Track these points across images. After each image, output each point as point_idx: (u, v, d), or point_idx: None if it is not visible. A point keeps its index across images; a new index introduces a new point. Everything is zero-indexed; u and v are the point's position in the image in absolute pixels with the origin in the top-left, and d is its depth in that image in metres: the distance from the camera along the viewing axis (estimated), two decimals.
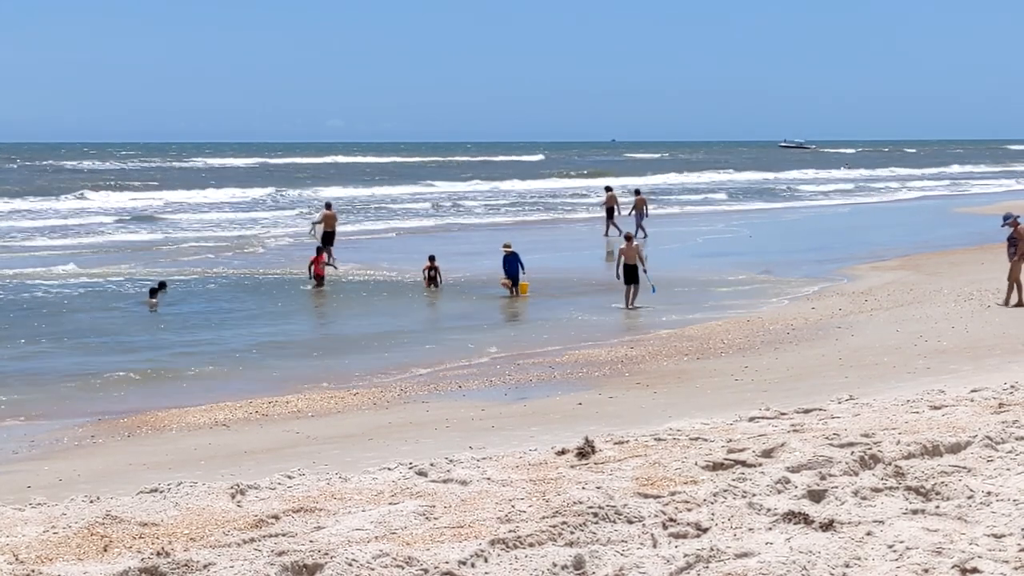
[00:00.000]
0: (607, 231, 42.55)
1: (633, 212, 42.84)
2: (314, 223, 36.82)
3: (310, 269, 29.42)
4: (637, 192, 45.02)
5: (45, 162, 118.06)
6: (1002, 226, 23.64)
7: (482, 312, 25.20)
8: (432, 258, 28.60)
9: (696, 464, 8.15)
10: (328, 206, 36.61)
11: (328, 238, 33.88)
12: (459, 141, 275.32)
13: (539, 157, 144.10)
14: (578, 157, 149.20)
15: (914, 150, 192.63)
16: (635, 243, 26.15)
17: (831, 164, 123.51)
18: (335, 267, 31.32)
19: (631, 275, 25.37)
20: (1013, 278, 22.78)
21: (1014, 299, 22.63)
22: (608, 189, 45.90)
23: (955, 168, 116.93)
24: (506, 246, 27.92)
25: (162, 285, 27.16)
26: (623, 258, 25.68)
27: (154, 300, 25.75)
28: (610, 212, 43.51)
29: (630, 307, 25.02)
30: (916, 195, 72.98)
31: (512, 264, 27.32)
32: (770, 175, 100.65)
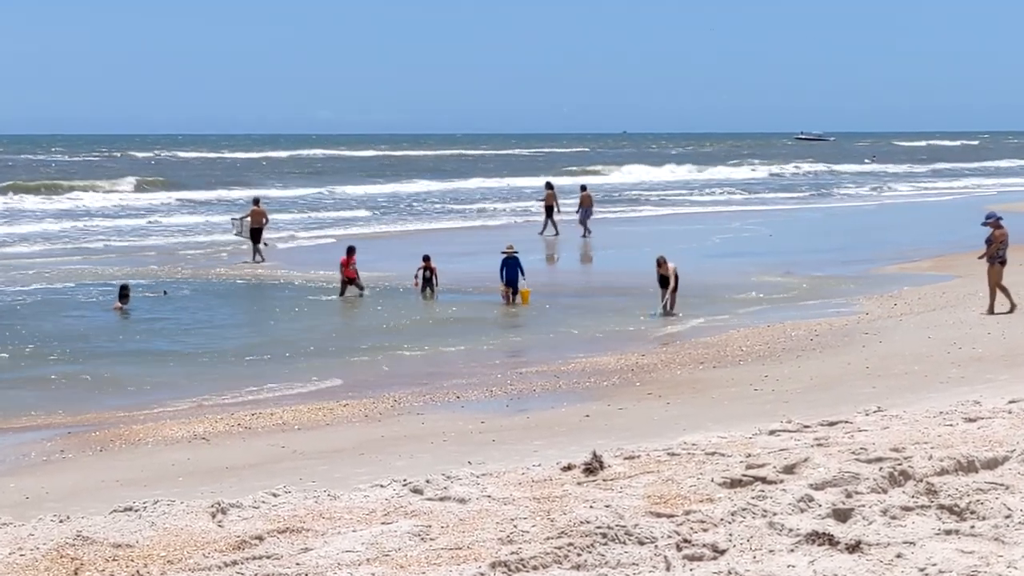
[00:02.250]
0: (543, 229, 43.24)
1: (579, 209, 43.37)
2: (241, 218, 38.24)
3: (341, 272, 28.44)
4: (583, 188, 45.18)
5: (19, 156, 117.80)
6: (983, 225, 23.68)
7: (481, 317, 25.19)
8: (427, 258, 28.31)
9: (712, 481, 8.15)
10: (256, 202, 38.12)
11: (256, 235, 35.87)
12: (459, 133, 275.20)
13: (582, 149, 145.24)
14: (610, 150, 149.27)
15: (975, 142, 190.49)
16: (671, 264, 25.06)
17: (853, 157, 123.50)
18: (259, 260, 34.45)
19: (666, 282, 24.91)
20: (994, 283, 22.83)
21: (1003, 305, 22.66)
22: (549, 186, 45.77)
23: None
24: (509, 248, 27.57)
25: (124, 288, 26.83)
26: (660, 270, 24.99)
27: (121, 305, 25.72)
28: (549, 210, 43.90)
29: (665, 313, 24.66)
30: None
31: (512, 268, 26.90)
32: (788, 168, 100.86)
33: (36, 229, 46.83)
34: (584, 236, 42.01)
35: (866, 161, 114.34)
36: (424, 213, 55.47)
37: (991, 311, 22.57)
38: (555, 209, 43.77)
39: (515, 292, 26.71)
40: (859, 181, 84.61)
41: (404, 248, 36.72)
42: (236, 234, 37.78)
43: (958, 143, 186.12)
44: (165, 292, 28.31)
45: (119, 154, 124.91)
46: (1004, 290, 22.76)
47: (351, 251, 28.69)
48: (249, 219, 36.57)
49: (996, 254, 22.91)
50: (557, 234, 42.83)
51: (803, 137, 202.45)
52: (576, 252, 39.62)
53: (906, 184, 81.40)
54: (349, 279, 28.28)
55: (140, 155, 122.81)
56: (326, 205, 60.07)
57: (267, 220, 37.12)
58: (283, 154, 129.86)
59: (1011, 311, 22.48)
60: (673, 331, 23.20)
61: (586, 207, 43.07)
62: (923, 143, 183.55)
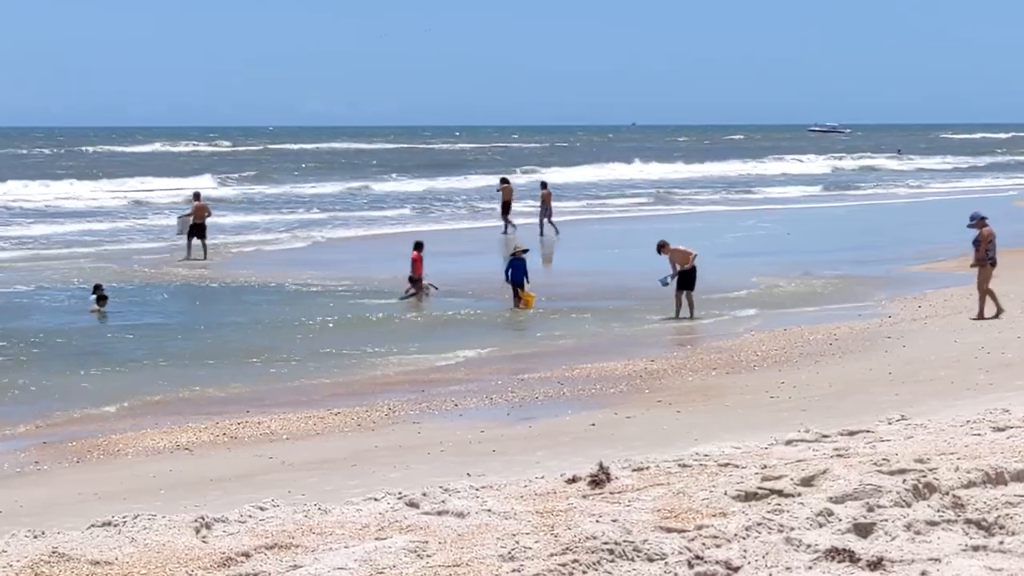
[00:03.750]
0: (505, 229, 43.21)
1: (540, 207, 43.43)
2: (181, 216, 38.70)
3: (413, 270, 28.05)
4: (543, 185, 45.16)
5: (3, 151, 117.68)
6: (968, 226, 23.67)
7: (481, 320, 25.21)
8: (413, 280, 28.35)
9: (726, 494, 8.15)
10: (196, 196, 38.57)
11: (198, 231, 36.50)
12: (460, 126, 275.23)
13: (600, 139, 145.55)
14: (625, 143, 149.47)
15: None
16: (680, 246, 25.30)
17: (876, 150, 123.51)
18: (197, 257, 35.41)
19: (689, 281, 24.91)
20: (984, 285, 22.82)
21: (990, 310, 22.65)
22: (504, 181, 45.66)
23: None
24: (517, 249, 27.59)
25: (99, 289, 26.59)
26: (677, 265, 24.93)
27: (99, 308, 25.67)
28: (506, 207, 43.88)
29: (680, 317, 24.65)
30: None
31: (518, 271, 27.01)
32: (803, 162, 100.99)
33: (34, 231, 46.10)
34: (542, 236, 41.97)
35: (898, 154, 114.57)
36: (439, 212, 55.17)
37: (988, 314, 22.61)
38: (510, 206, 43.86)
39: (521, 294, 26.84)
40: (905, 175, 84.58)
41: (407, 248, 36.74)
42: (179, 233, 37.77)
43: (1009, 135, 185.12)
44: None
45: (104, 148, 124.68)
46: (989, 293, 22.78)
47: (419, 246, 28.62)
48: (191, 216, 36.98)
49: (986, 255, 22.97)
50: (505, 232, 42.79)
51: (816, 129, 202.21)
52: (573, 253, 39.58)
53: (949, 181, 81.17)
54: (416, 278, 28.07)
55: (130, 150, 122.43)
56: (346, 204, 59.82)
57: (209, 214, 37.57)
58: (281, 147, 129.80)
59: (978, 318, 22.54)
60: (684, 336, 23.21)
61: (546, 205, 43.08)
62: (978, 135, 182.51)
